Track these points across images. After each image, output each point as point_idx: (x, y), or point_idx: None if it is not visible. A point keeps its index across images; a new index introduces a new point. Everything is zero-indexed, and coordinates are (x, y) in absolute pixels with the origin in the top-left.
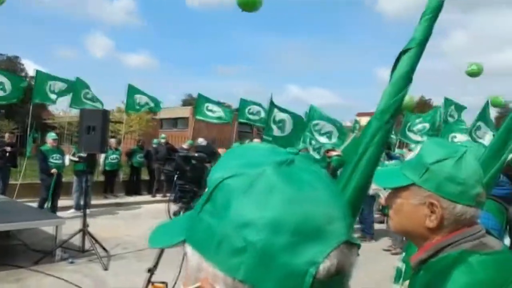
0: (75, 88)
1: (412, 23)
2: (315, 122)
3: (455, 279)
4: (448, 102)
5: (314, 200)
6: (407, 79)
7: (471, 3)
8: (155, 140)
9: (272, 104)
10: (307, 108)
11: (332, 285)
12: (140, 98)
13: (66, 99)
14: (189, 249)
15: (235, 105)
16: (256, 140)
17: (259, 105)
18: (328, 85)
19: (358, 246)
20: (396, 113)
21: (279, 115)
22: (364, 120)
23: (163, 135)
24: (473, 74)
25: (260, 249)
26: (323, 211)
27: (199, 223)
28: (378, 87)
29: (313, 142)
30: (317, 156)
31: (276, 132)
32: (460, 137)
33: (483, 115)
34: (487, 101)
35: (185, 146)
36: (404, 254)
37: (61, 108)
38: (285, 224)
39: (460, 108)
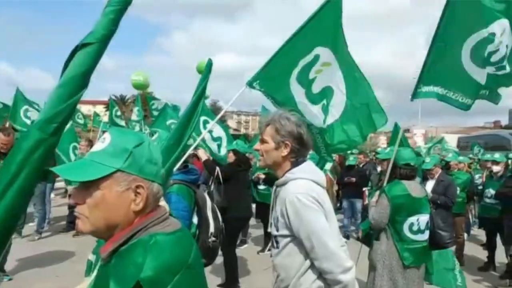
0: None
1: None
2: (25, 107)
3: (144, 263)
4: (149, 98)
5: None
6: (83, 81)
7: (192, 9)
8: None
9: None
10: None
11: None
12: None
13: None
14: None
15: None
16: None
17: None
18: (48, 68)
19: None
20: (65, 123)
21: None
22: (84, 108)
23: None
24: (138, 86)
25: None
26: None
27: None
28: None
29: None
30: None
31: None
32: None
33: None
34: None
35: None
36: (95, 245)
37: None
38: None
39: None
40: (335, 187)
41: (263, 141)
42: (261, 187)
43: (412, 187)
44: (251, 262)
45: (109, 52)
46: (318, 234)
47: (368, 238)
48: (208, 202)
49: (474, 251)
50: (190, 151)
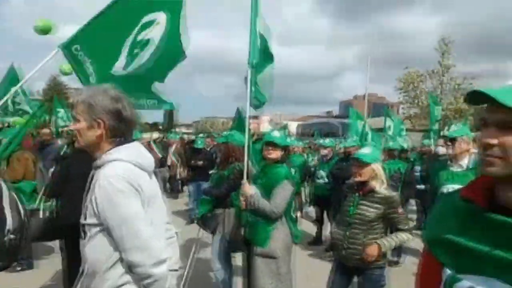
0: None
1: None
2: None
3: None
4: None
5: None
6: None
7: None
8: None
9: None
10: None
11: None
12: None
13: None
14: None
15: None
16: None
17: None
18: None
19: None
20: None
21: None
22: None
23: None
24: (40, 30)
25: None
26: None
27: None
28: None
29: None
30: None
31: None
32: None
33: None
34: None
35: None
36: None
37: None
38: None
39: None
40: (180, 169)
41: (76, 120)
42: None
43: None
44: None
45: None
46: (130, 222)
47: (205, 220)
48: (5, 193)
49: (306, 227)
50: None
